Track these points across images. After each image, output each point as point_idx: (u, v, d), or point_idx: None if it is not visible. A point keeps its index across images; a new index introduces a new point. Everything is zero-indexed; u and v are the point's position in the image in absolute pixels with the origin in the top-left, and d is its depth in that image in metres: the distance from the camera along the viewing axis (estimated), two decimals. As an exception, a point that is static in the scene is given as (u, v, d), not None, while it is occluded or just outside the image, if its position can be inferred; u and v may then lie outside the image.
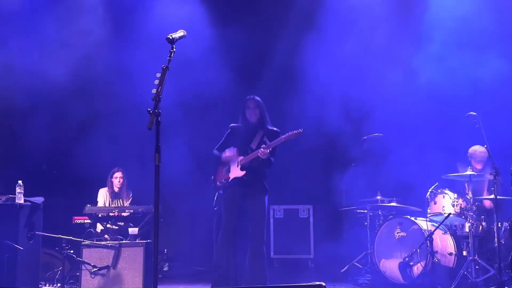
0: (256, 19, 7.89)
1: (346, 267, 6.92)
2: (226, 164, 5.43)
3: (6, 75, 7.06)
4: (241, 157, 5.30)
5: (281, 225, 7.61)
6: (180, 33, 3.76)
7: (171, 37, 3.68)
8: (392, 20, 7.18)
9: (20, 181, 5.58)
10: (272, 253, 7.48)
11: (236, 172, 5.31)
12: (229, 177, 5.34)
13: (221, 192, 5.46)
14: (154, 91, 3.50)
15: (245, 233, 5.31)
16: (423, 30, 7.11)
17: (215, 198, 5.56)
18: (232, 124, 5.55)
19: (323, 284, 2.96)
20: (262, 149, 5.11)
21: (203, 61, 7.52)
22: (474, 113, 5.80)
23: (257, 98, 5.46)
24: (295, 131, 5.11)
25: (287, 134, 5.13)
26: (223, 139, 5.54)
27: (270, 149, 5.15)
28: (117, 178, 6.94)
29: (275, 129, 5.42)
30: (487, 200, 6.22)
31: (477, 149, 6.42)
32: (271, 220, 7.57)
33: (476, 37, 6.79)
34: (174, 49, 3.64)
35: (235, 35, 7.60)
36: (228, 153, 5.35)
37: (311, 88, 7.43)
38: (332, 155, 7.78)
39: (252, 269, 5.22)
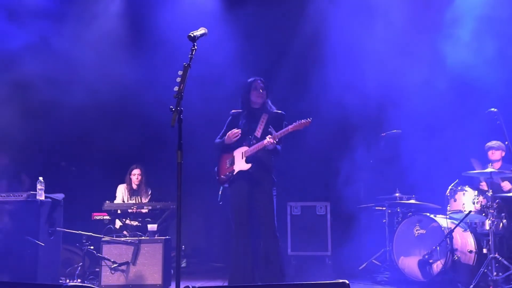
0: (275, 6, 7.81)
1: (364, 264, 6.91)
2: (230, 155, 5.07)
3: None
4: (245, 148, 4.95)
5: (298, 222, 7.57)
6: (201, 31, 3.78)
7: (192, 35, 3.70)
8: (416, 11, 7.07)
9: (41, 178, 5.64)
10: (289, 250, 7.45)
11: (241, 164, 4.95)
12: (234, 170, 5.00)
13: (226, 185, 5.11)
14: (176, 88, 3.51)
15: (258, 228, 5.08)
16: (447, 20, 6.97)
17: (219, 193, 5.15)
18: (232, 111, 5.20)
19: (347, 282, 2.93)
20: (268, 139, 4.73)
21: (222, 49, 7.46)
22: (495, 109, 5.73)
23: (263, 79, 5.09)
24: (303, 121, 4.70)
25: (294, 124, 4.72)
26: (224, 128, 5.18)
27: (277, 140, 4.77)
28: (135, 175, 6.98)
29: (279, 111, 5.06)
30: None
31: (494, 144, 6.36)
32: (288, 217, 7.54)
33: (500, 29, 6.67)
34: (196, 47, 3.65)
35: (253, 22, 7.56)
36: (230, 133, 4.93)
37: (329, 87, 7.36)
38: (350, 152, 7.72)
39: (266, 265, 4.96)
